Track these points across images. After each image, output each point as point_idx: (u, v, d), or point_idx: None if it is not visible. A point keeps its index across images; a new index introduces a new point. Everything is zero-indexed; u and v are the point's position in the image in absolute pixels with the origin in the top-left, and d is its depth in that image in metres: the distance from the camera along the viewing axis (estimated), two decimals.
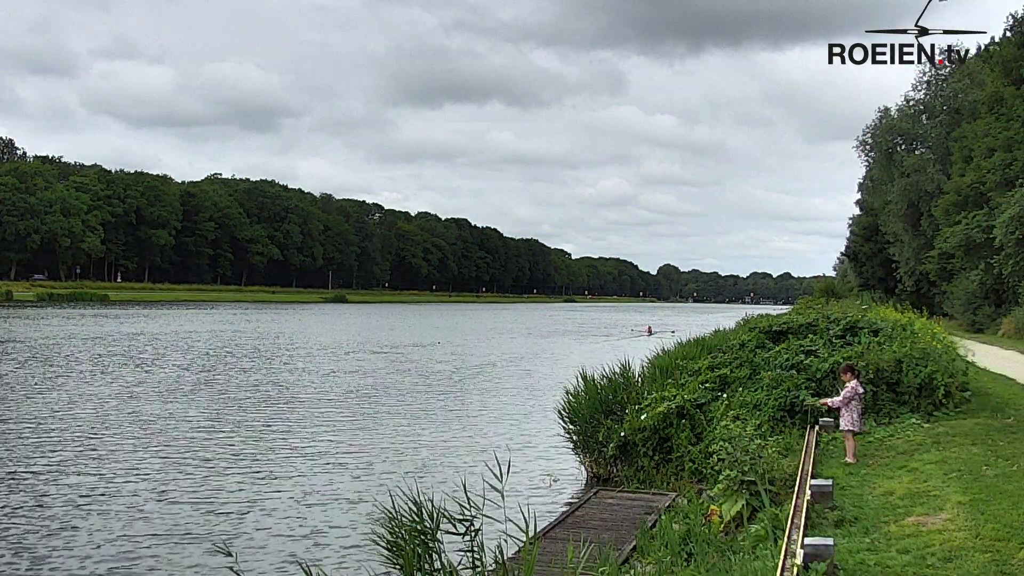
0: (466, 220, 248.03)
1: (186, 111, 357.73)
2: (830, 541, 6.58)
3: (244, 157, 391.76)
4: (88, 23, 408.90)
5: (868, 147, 53.75)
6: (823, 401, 12.15)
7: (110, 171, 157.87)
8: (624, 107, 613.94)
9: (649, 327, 78.98)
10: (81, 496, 14.17)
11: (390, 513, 7.28)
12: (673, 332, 47.89)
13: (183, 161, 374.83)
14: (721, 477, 10.57)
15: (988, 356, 22.72)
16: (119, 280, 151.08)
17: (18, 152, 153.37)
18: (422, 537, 7.08)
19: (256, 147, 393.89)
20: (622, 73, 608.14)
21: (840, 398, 11.29)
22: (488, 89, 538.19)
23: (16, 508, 13.37)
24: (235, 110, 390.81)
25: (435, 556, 7.03)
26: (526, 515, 7.38)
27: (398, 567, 7.12)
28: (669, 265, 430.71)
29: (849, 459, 11.00)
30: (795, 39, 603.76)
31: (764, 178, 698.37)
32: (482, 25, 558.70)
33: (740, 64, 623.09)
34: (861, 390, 11.48)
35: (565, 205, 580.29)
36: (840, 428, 11.46)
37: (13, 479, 15.25)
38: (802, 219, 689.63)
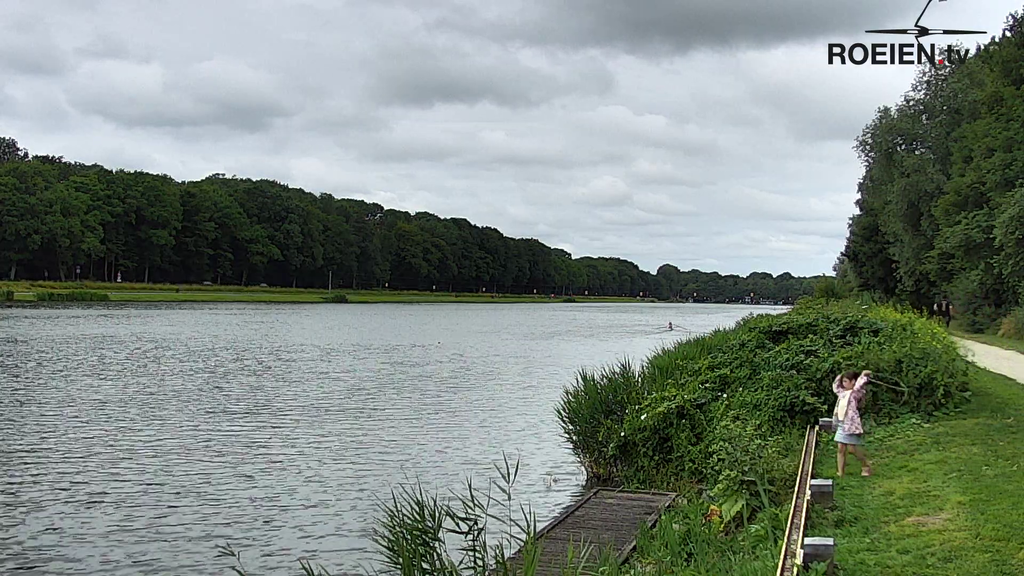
0: (466, 220, 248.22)
1: (177, 110, 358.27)
2: (830, 541, 6.58)
3: (237, 156, 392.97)
4: (74, 22, 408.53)
5: (868, 147, 53.75)
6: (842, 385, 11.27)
7: (110, 171, 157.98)
8: (614, 107, 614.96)
9: (670, 322, 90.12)
10: (82, 497, 14.19)
11: (391, 512, 7.29)
12: (689, 332, 48.29)
13: (176, 160, 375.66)
14: (721, 477, 10.57)
15: (988, 356, 22.73)
16: (119, 280, 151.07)
17: (19, 152, 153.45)
18: (423, 536, 7.08)
19: (248, 147, 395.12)
20: (611, 73, 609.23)
21: (856, 389, 10.74)
22: (477, 89, 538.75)
23: (17, 509, 13.39)
24: (226, 109, 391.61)
25: (435, 555, 7.03)
26: (527, 515, 7.38)
27: (398, 566, 7.12)
28: (669, 265, 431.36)
29: (864, 473, 10.37)
30: (781, 38, 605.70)
31: (757, 178, 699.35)
32: (467, 24, 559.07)
33: (727, 63, 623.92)
34: (861, 395, 11.14)
35: (560, 205, 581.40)
36: (849, 432, 10.57)
37: (13, 480, 15.26)
38: (798, 219, 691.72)
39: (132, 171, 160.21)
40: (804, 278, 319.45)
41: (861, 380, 11.09)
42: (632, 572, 9.01)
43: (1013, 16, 45.28)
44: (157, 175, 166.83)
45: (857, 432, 10.68)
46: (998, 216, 35.28)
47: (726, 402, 14.49)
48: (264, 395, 27.29)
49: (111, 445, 18.45)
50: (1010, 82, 40.99)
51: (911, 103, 51.72)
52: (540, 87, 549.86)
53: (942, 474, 9.86)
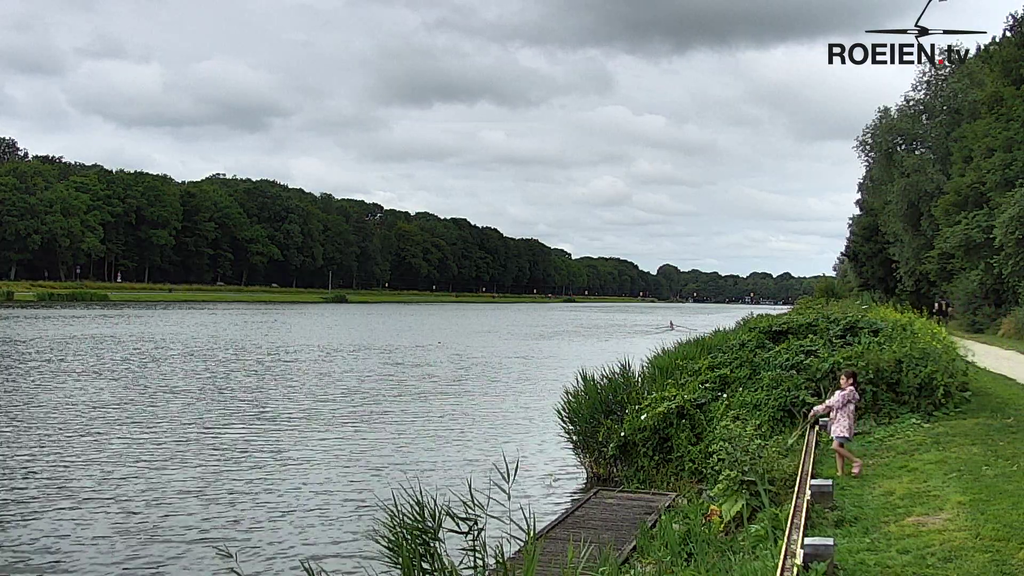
0: (466, 220, 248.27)
1: (176, 110, 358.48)
2: (830, 541, 6.58)
3: (236, 156, 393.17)
4: (73, 22, 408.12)
5: (868, 147, 53.77)
6: (824, 406, 11.29)
7: (110, 171, 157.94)
8: (613, 107, 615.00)
9: (671, 322, 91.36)
10: (81, 498, 14.19)
11: (391, 512, 7.29)
12: (690, 330, 48.43)
13: (176, 160, 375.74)
14: (721, 477, 10.56)
15: (988, 356, 22.73)
16: (119, 280, 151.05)
17: (19, 152, 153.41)
18: (423, 536, 7.08)
19: (247, 146, 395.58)
20: (610, 73, 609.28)
21: (838, 397, 10.71)
22: (476, 89, 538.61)
23: (16, 510, 13.39)
24: (225, 109, 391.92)
25: (435, 555, 7.03)
26: (527, 515, 7.38)
27: (398, 566, 7.12)
28: (669, 265, 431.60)
29: (855, 471, 10.34)
30: (780, 38, 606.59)
31: (757, 178, 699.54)
32: (466, 24, 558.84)
33: (726, 63, 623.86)
34: (857, 396, 11.07)
35: (560, 205, 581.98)
36: (834, 435, 10.66)
37: (12, 481, 15.26)
38: (797, 219, 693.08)
39: (132, 171, 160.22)
40: (804, 278, 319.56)
41: (843, 381, 11.06)
42: (632, 572, 9.01)
43: (1013, 16, 45.34)
44: (157, 175, 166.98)
45: (842, 435, 10.62)
46: (998, 216, 35.28)
47: (726, 402, 14.49)
48: (264, 396, 27.29)
49: (110, 446, 18.44)
50: (1010, 82, 40.99)
51: (911, 103, 51.75)
52: (539, 87, 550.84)
53: (942, 474, 9.85)
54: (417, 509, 7.17)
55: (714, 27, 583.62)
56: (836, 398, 10.88)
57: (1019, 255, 34.16)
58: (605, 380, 18.02)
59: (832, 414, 10.88)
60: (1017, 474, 9.51)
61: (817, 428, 12.77)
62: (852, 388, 10.93)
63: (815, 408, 11.78)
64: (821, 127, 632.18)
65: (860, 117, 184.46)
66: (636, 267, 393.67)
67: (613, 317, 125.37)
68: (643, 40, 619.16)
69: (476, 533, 6.96)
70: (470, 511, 7.04)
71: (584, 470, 16.75)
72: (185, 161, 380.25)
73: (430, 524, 7.09)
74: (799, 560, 6.28)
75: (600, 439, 15.88)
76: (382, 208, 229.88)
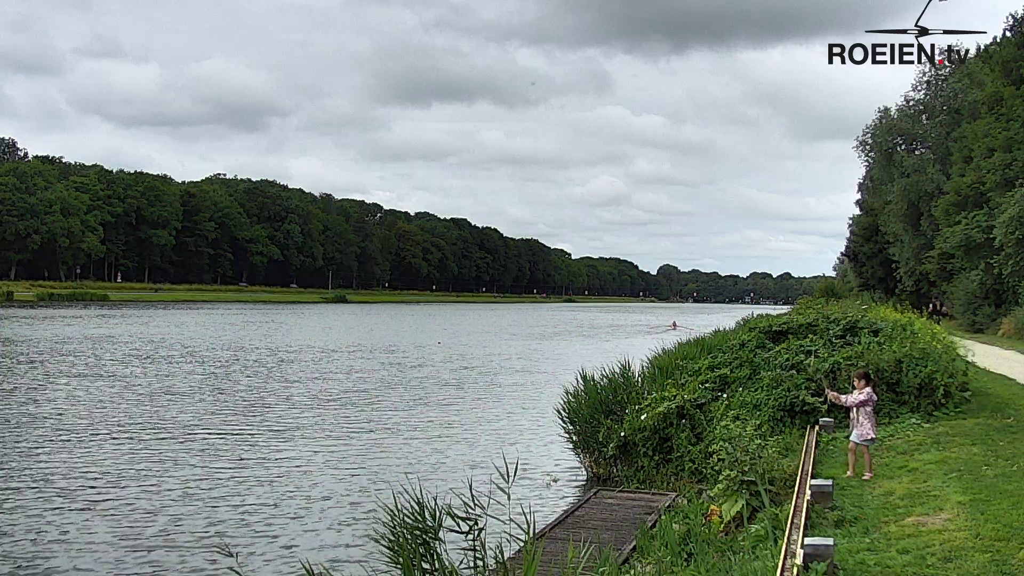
0: (466, 220, 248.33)
1: (174, 110, 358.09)
2: (830, 541, 6.58)
3: (235, 156, 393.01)
4: (70, 22, 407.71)
5: (868, 147, 53.82)
6: (834, 395, 11.18)
7: (110, 171, 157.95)
8: (611, 106, 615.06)
9: (674, 322, 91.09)
10: (81, 499, 14.18)
11: (391, 512, 7.28)
12: (691, 330, 48.42)
13: (174, 160, 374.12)
14: (721, 477, 10.56)
15: (988, 356, 22.73)
16: (119, 280, 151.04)
17: (19, 152, 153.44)
18: (423, 536, 7.08)
19: (246, 146, 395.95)
20: (608, 72, 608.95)
21: (855, 398, 10.52)
22: (475, 88, 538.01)
23: (15, 511, 13.38)
24: (223, 109, 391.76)
25: (435, 555, 7.03)
26: (527, 515, 7.38)
27: (398, 566, 7.12)
28: (669, 265, 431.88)
29: (866, 476, 10.18)
30: (778, 38, 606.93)
31: (754, 178, 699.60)
32: (464, 24, 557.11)
33: (724, 63, 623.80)
34: (875, 397, 10.86)
35: (559, 205, 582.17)
36: (858, 440, 10.46)
37: (12, 482, 15.26)
38: (796, 219, 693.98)
39: (132, 171, 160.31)
40: (804, 278, 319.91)
41: (857, 384, 10.90)
42: (632, 572, 9.01)
43: (1013, 16, 45.44)
44: (157, 175, 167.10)
45: (867, 437, 10.48)
46: (998, 216, 35.30)
47: (726, 402, 14.49)
48: (264, 396, 27.28)
49: (109, 448, 18.44)
50: (1010, 82, 41.00)
51: (911, 103, 51.80)
52: (538, 87, 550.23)
53: (942, 474, 9.85)
54: (417, 509, 7.17)
55: (712, 27, 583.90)
56: (854, 398, 10.60)
57: (1019, 255, 34.17)
58: (605, 380, 18.00)
59: (852, 415, 10.69)
60: (1017, 474, 9.51)
61: (817, 428, 12.79)
62: (870, 390, 10.67)
63: (835, 395, 11.38)
64: (820, 127, 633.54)
65: (859, 117, 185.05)
66: (636, 267, 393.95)
67: (613, 317, 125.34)
68: (641, 40, 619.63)
69: (476, 533, 6.95)
70: (470, 511, 7.04)
71: (584, 470, 16.75)
72: (184, 161, 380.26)
73: (430, 524, 7.08)
74: (799, 560, 6.28)
75: (600, 439, 15.86)
76: (382, 208, 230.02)
